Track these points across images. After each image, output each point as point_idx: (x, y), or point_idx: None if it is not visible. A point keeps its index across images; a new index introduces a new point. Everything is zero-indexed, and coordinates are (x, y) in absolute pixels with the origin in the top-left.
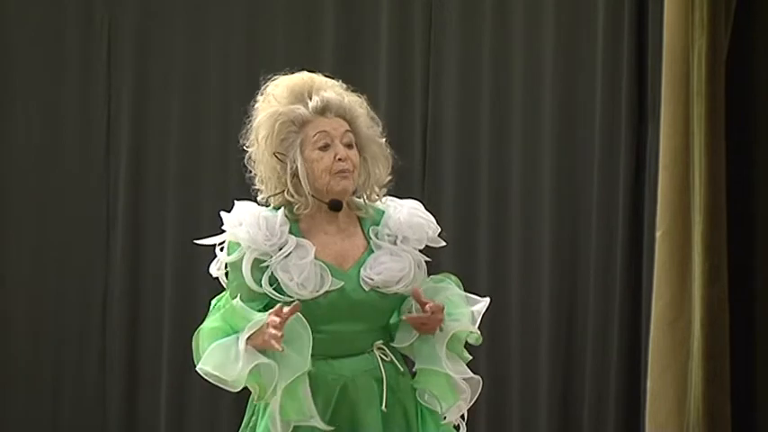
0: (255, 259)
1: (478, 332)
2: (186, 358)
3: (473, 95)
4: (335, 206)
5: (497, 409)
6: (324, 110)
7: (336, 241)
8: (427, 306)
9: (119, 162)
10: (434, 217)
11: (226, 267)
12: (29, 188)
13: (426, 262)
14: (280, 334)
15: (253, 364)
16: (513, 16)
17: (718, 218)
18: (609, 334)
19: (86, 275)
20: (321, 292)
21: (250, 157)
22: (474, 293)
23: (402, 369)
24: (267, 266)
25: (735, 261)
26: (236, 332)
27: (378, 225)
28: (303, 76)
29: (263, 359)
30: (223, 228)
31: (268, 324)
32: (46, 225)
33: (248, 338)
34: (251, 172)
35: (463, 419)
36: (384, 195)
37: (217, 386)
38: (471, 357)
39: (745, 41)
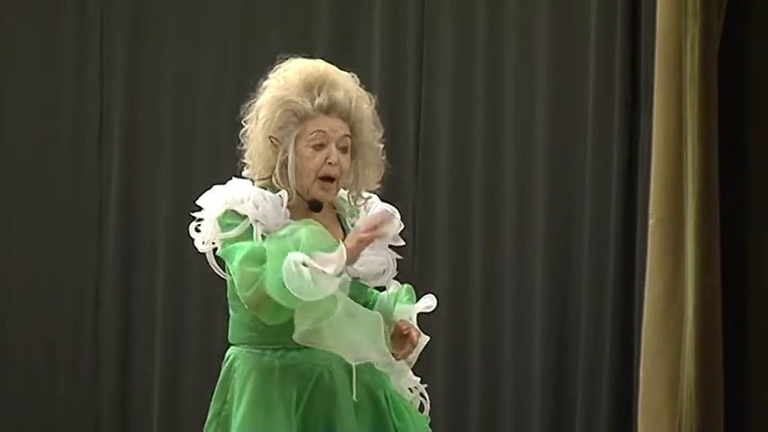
0: (263, 236)
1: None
2: (179, 350)
3: (466, 84)
4: (315, 207)
5: (491, 395)
6: (328, 109)
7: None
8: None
9: (111, 157)
10: (428, 207)
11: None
12: (22, 180)
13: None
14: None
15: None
16: (506, 4)
17: (711, 205)
18: (602, 321)
19: (78, 270)
20: None
21: (245, 132)
22: (467, 283)
23: None
24: None
25: (727, 249)
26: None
27: (354, 218)
28: (319, 67)
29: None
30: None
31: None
32: (38, 218)
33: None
34: (242, 145)
35: (424, 398)
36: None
37: (209, 378)
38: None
39: (737, 29)
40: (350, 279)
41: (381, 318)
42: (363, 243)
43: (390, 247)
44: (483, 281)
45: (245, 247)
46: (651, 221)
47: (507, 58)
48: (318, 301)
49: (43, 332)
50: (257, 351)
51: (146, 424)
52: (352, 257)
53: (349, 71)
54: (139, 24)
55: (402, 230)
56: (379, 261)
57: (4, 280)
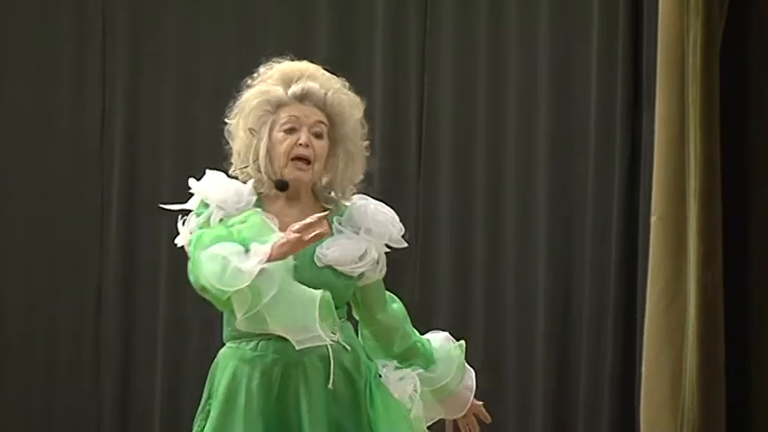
0: (221, 220)
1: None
2: (181, 349)
3: (468, 83)
4: (281, 186)
5: (493, 395)
6: (302, 97)
7: (298, 223)
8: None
9: (113, 157)
10: (430, 206)
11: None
12: (23, 181)
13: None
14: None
15: (263, 265)
16: (508, 5)
17: (712, 203)
18: (604, 319)
19: (80, 271)
20: None
21: (229, 131)
22: (469, 278)
23: (349, 348)
24: None
25: (729, 246)
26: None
27: (341, 216)
28: (300, 64)
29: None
30: (191, 192)
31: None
32: (40, 218)
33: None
34: (227, 144)
35: (415, 390)
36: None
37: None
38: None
39: (739, 27)
40: (321, 266)
41: (318, 298)
42: (287, 245)
43: (391, 249)
44: (485, 279)
45: (199, 233)
46: (653, 219)
47: (509, 61)
48: (243, 290)
49: (45, 332)
50: (234, 345)
51: (147, 424)
52: (277, 256)
53: (351, 66)
54: (140, 25)
55: (403, 234)
56: (353, 247)
57: (5, 279)
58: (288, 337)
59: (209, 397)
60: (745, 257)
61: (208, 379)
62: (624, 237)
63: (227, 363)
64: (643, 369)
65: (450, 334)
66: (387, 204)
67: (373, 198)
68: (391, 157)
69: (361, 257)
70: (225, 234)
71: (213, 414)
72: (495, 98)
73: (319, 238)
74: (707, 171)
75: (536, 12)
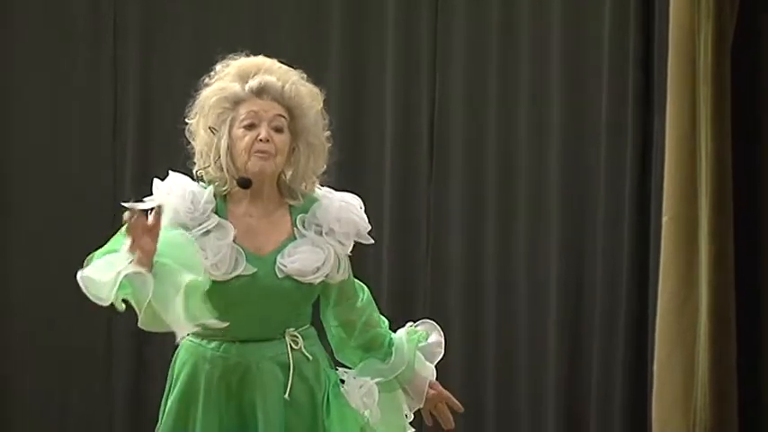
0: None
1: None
2: None
3: (480, 86)
4: (243, 183)
5: (506, 384)
6: (260, 91)
7: (260, 225)
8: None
9: (125, 148)
10: (442, 202)
11: None
12: (35, 175)
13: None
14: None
15: (124, 272)
16: (519, 4)
17: (724, 203)
18: (616, 319)
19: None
20: (232, 275)
21: (190, 130)
22: (481, 274)
23: (311, 358)
24: None
25: (740, 246)
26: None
27: (306, 213)
28: (256, 59)
29: (136, 269)
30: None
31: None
32: (53, 214)
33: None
34: (189, 144)
35: (372, 397)
36: (323, 186)
37: None
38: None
39: (750, 27)
40: (282, 276)
41: (183, 286)
42: (132, 236)
43: (358, 244)
44: (496, 276)
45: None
46: (665, 219)
47: (520, 52)
48: (128, 294)
49: (57, 333)
50: (197, 342)
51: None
52: (141, 259)
53: (362, 61)
54: (152, 20)
55: (369, 231)
56: (314, 257)
57: (17, 277)
58: (177, 332)
59: (171, 389)
60: (756, 256)
61: (169, 370)
62: (636, 226)
63: (186, 358)
64: (655, 369)
65: (463, 327)
66: (400, 200)
67: (348, 194)
68: (403, 154)
69: (322, 265)
70: (117, 248)
71: (168, 409)
72: (506, 93)
73: (155, 230)
74: (718, 170)
75: (548, 7)
